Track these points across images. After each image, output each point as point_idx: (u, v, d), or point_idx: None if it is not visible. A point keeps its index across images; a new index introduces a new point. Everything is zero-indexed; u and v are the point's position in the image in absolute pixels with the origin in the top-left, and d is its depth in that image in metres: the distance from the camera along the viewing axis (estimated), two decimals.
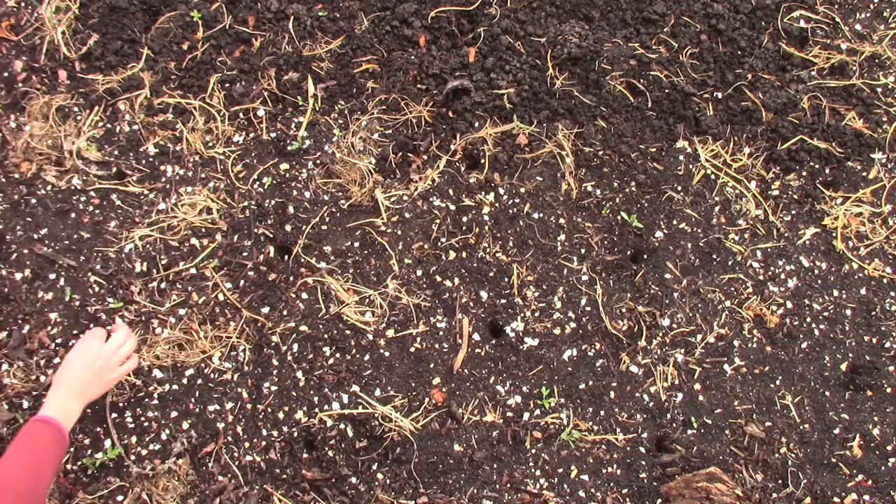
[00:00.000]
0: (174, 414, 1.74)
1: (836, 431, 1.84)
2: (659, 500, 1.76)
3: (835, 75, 2.12)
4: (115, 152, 1.90)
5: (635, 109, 2.02)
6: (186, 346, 1.78)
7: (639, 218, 1.93)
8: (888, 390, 1.88)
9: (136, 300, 1.79)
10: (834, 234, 1.98)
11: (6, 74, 1.95)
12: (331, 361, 1.79)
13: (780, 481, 1.79)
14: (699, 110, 2.03)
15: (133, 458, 1.70)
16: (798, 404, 1.86)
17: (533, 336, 1.83)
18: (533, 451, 1.76)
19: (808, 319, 1.92)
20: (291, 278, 1.83)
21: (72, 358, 1.60)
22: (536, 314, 1.85)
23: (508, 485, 1.74)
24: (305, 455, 1.74)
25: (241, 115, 1.95)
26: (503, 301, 1.85)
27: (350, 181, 1.89)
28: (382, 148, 1.92)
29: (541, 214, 1.92)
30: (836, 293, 1.95)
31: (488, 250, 1.88)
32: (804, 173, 2.03)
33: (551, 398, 1.79)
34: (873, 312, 1.94)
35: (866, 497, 1.80)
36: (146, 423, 1.73)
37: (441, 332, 1.82)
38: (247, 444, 1.73)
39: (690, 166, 2.00)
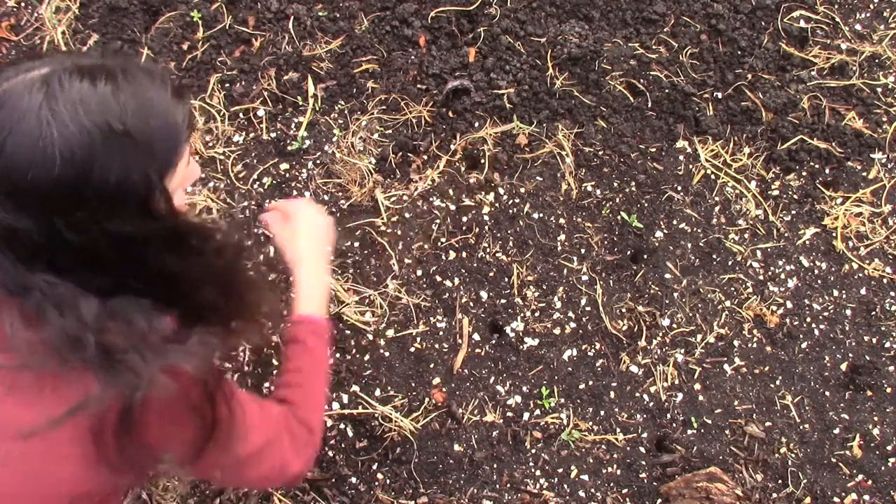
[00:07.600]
0: None
1: (836, 431, 1.84)
2: (659, 500, 1.76)
3: (835, 75, 2.12)
4: None
5: (635, 109, 2.02)
6: None
7: (639, 218, 1.93)
8: (888, 390, 1.88)
9: None
10: (834, 234, 1.98)
11: None
12: (330, 361, 1.79)
13: (780, 481, 1.79)
14: (699, 110, 2.03)
15: None
16: (798, 404, 1.86)
17: (533, 336, 1.83)
18: (533, 451, 1.76)
19: (808, 319, 1.92)
20: (292, 278, 1.83)
21: (303, 227, 1.31)
22: (536, 314, 1.85)
23: (508, 485, 1.74)
24: None
25: (241, 115, 1.95)
26: (503, 301, 1.85)
27: (350, 181, 1.89)
28: (382, 148, 1.92)
29: (541, 214, 1.92)
30: (836, 293, 1.95)
31: (488, 250, 1.88)
32: (804, 173, 2.03)
33: (551, 398, 1.79)
34: (873, 312, 1.94)
35: (866, 497, 1.80)
36: None
37: (441, 332, 1.82)
38: None
39: (690, 166, 1.99)
